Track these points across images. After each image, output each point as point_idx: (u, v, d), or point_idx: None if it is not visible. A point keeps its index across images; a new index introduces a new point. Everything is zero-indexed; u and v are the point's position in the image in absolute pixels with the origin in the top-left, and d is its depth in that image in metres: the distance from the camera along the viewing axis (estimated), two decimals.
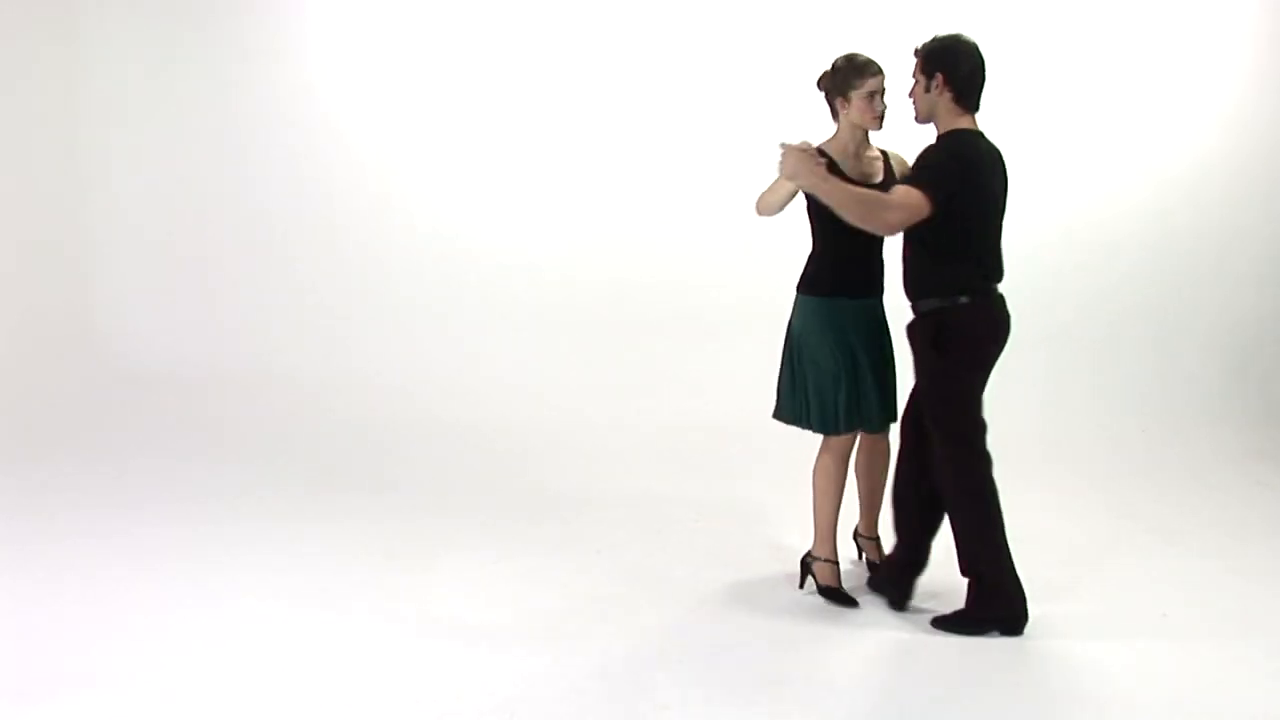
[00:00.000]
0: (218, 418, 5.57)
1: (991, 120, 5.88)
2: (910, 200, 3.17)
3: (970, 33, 3.22)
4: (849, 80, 3.42)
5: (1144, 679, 3.07)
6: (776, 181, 3.37)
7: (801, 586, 3.62)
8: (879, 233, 3.31)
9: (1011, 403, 5.86)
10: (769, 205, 3.48)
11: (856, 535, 3.83)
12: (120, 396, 5.76)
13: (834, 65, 3.48)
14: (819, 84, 3.52)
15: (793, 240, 3.74)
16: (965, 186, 3.23)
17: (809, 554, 3.62)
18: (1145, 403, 5.85)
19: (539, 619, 3.37)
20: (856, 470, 3.69)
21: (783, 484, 4.31)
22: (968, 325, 3.33)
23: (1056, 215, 5.98)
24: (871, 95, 3.41)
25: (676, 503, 4.53)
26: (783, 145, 3.24)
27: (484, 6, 6.00)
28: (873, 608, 3.50)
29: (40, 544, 3.92)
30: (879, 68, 3.43)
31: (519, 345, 6.11)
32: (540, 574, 3.73)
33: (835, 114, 3.50)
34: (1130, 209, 5.98)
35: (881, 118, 3.44)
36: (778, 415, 3.66)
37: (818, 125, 3.56)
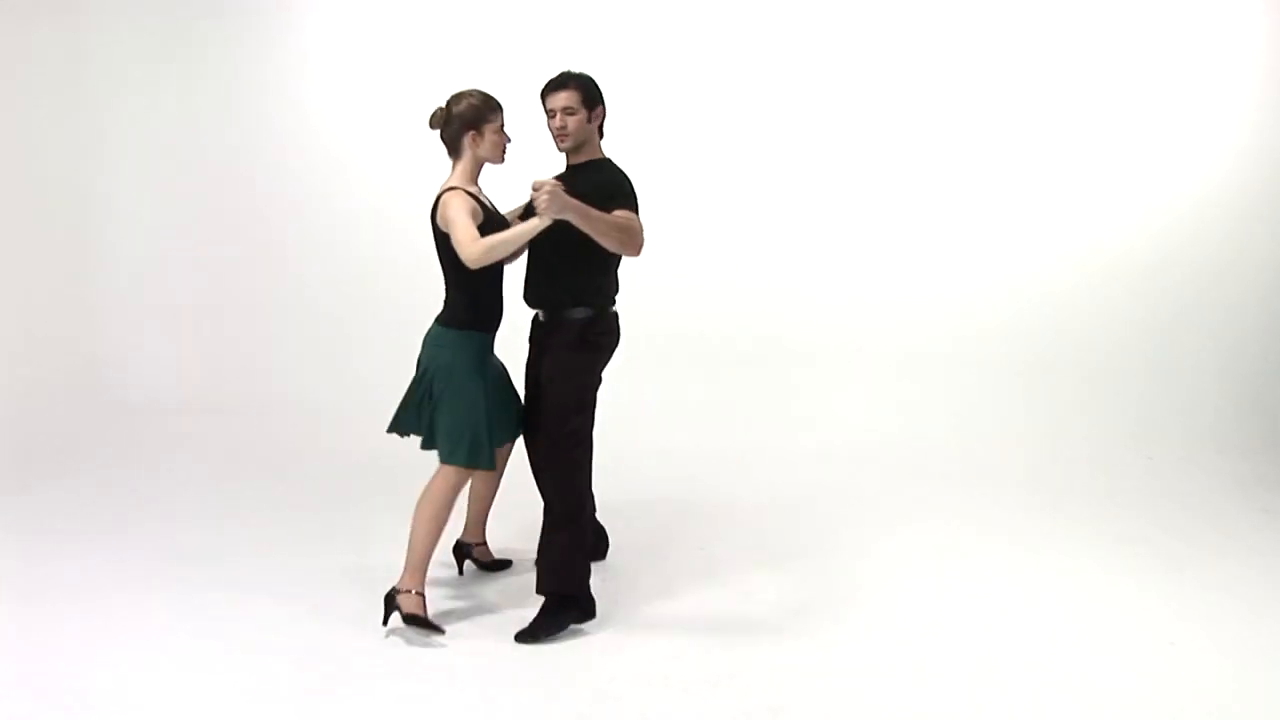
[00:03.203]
0: (222, 446, 5.58)
1: (995, 143, 5.94)
2: (639, 222, 3.38)
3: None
4: (483, 115, 3.44)
5: (1152, 709, 3.05)
6: (526, 225, 3.22)
7: (385, 623, 3.47)
8: (632, 255, 3.38)
9: (1016, 431, 5.91)
10: (505, 253, 3.26)
11: (467, 547, 3.99)
12: (124, 424, 5.78)
13: (462, 100, 3.45)
14: (434, 121, 3.49)
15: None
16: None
17: (395, 589, 3.47)
18: (1150, 430, 5.84)
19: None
20: (482, 480, 3.87)
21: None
22: (608, 332, 3.58)
23: (1059, 241, 5.99)
24: (501, 129, 3.48)
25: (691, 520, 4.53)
26: (542, 185, 3.15)
27: (492, 22, 6.01)
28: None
29: (41, 570, 3.92)
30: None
31: None
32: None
33: (457, 149, 3.47)
34: (1133, 234, 5.99)
35: (504, 152, 3.51)
36: (419, 441, 3.56)
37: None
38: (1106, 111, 5.91)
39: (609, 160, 3.56)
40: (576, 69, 3.53)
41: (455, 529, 3.95)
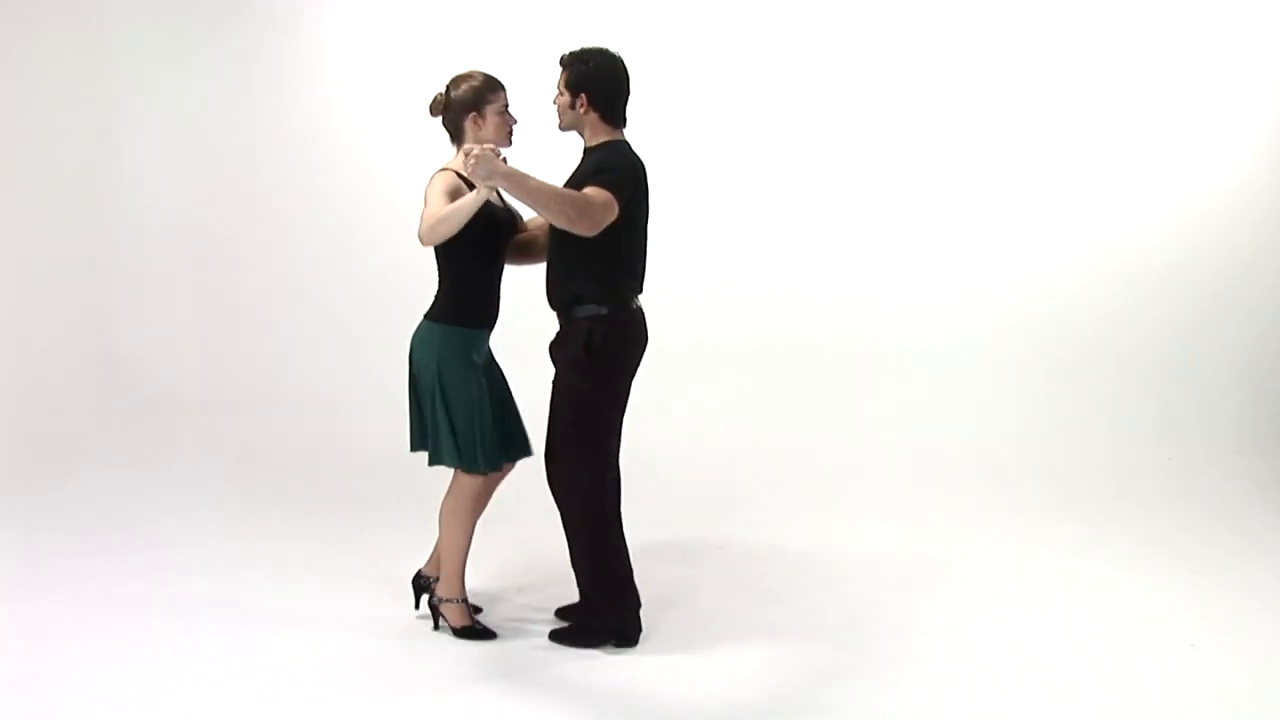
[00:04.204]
0: (239, 443, 5.61)
1: (1017, 144, 5.92)
2: (608, 200, 3.15)
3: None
4: (484, 96, 3.35)
5: (1173, 711, 3.05)
6: (468, 196, 3.08)
7: (436, 627, 3.49)
8: (583, 233, 3.13)
9: (1034, 431, 5.89)
10: (450, 228, 3.07)
11: (427, 579, 3.57)
12: (138, 421, 5.78)
13: (461, 83, 3.37)
14: (434, 108, 3.41)
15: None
16: (636, 194, 3.27)
17: (436, 596, 3.47)
18: (1169, 431, 5.82)
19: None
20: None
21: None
22: (625, 332, 3.34)
23: (1078, 241, 5.98)
24: (505, 110, 3.38)
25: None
26: (470, 151, 3.02)
27: (513, 22, 6.02)
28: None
29: (51, 567, 3.94)
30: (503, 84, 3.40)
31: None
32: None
33: (459, 134, 3.39)
34: (1154, 234, 5.96)
35: (511, 134, 3.40)
36: (418, 449, 3.43)
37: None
38: (1127, 111, 5.88)
39: (617, 143, 3.34)
40: (599, 47, 3.39)
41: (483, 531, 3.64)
